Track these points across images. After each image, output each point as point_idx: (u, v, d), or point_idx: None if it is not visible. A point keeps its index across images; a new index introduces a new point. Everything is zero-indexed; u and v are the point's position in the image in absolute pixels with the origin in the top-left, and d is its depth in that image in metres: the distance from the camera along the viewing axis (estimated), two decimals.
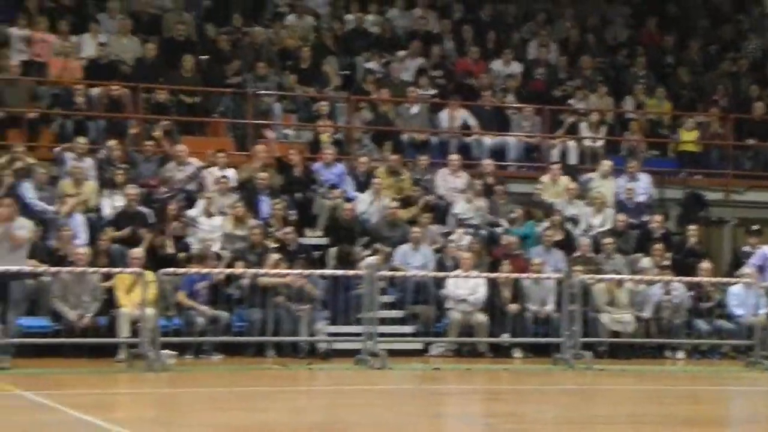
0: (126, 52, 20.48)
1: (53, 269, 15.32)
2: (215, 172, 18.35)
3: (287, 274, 16.51)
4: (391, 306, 17.45)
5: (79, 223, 16.77)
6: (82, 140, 17.95)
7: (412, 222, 18.52)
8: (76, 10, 20.87)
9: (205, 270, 16.16)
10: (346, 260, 17.61)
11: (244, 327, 16.41)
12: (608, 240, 18.71)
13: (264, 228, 17.49)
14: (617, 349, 17.50)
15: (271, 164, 18.87)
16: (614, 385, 14.86)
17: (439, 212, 19.16)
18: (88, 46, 20.25)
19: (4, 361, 14.32)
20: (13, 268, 14.83)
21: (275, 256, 16.68)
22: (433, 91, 22.16)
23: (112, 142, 18.18)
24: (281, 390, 13.60)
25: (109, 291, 15.78)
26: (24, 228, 15.46)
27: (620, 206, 20.00)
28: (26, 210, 16.41)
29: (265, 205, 18.23)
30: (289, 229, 17.54)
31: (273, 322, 16.36)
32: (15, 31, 19.89)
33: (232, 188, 18.20)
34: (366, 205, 18.79)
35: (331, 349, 16.51)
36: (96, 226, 16.97)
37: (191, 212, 17.58)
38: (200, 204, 17.69)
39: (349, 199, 18.74)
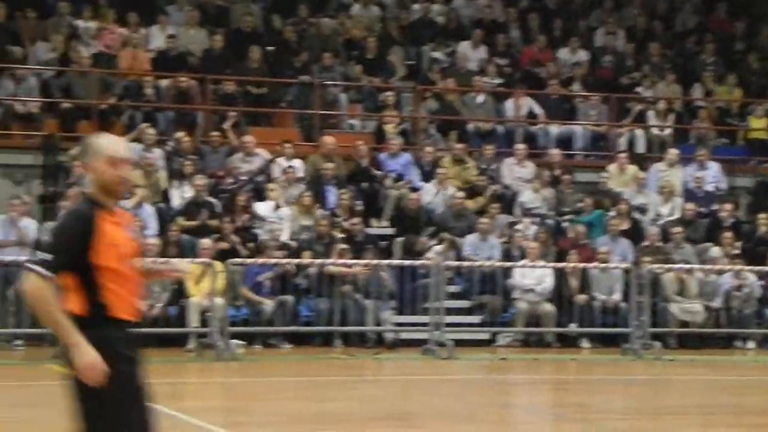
0: (194, 44, 20.65)
1: None
2: (282, 162, 18.46)
3: (354, 264, 16.59)
4: (457, 296, 17.45)
5: (148, 213, 16.95)
6: (150, 131, 18.11)
7: (479, 212, 18.49)
8: (145, 2, 21.04)
9: (273, 260, 16.27)
10: (413, 250, 17.64)
11: (311, 317, 16.50)
12: (677, 229, 18.55)
13: (331, 218, 17.56)
14: (686, 339, 17.38)
15: (337, 154, 18.93)
16: (684, 375, 14.75)
17: (505, 202, 19.12)
18: (157, 38, 20.44)
19: None
20: None
21: (342, 246, 16.74)
22: (498, 80, 22.10)
23: (180, 134, 18.36)
24: (349, 380, 13.67)
25: (179, 281, 15.94)
26: None
27: (689, 195, 19.81)
28: None
29: (332, 195, 18.29)
30: (355, 219, 17.59)
31: (340, 312, 16.44)
32: (83, 23, 20.11)
33: (298, 179, 18.30)
34: (432, 195, 18.79)
35: (398, 339, 16.58)
36: (165, 216, 17.14)
37: (259, 204, 17.68)
38: (267, 195, 17.78)
39: (414, 189, 18.75)
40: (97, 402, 4.97)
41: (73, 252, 5.01)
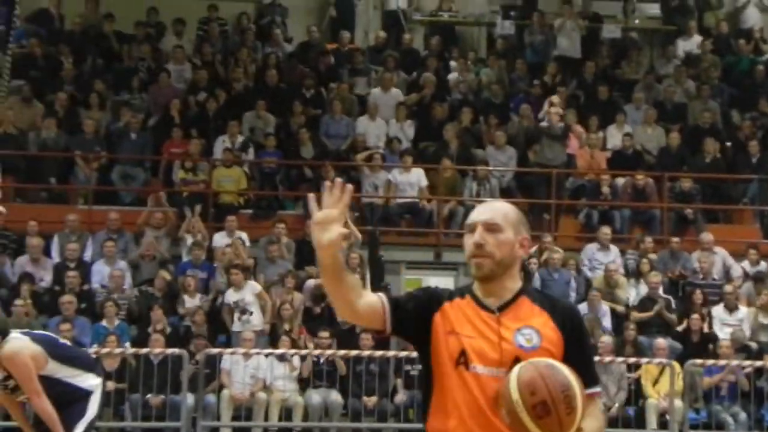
0: (650, 141, 20.70)
1: None
2: (744, 264, 18.01)
3: None
4: None
5: (604, 312, 17.01)
6: (606, 230, 18.29)
7: None
8: (605, 103, 21.34)
9: (734, 362, 15.79)
10: None
11: None
12: None
13: None
14: None
15: None
16: None
17: None
18: (614, 137, 20.66)
19: None
20: None
21: None
22: None
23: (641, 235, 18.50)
24: None
25: (637, 381, 15.84)
26: None
27: None
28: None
29: None
30: None
31: None
32: (543, 125, 20.61)
33: (759, 279, 17.70)
34: None
35: None
36: (620, 315, 17.14)
37: (716, 306, 17.25)
38: (726, 296, 17.30)
39: None
40: None
41: (405, 326, 4.13)
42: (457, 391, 4.01)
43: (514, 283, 4.22)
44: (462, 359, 4.02)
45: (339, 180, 4.12)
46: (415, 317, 4.11)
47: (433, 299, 4.15)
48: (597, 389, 4.21)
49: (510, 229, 4.18)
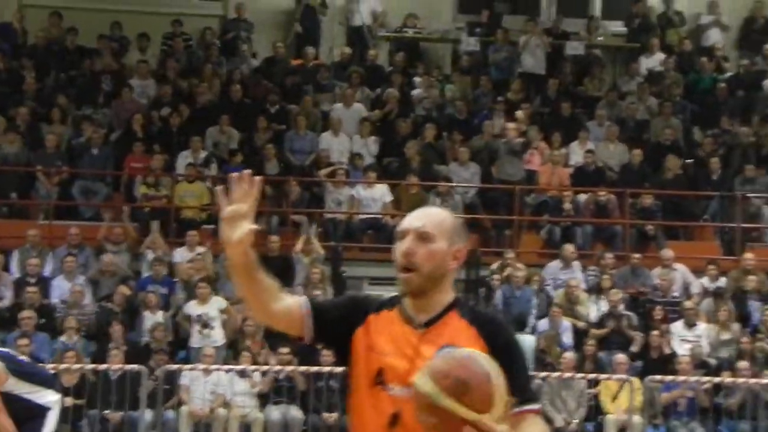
0: (612, 158, 20.81)
1: (542, 374, 15.69)
2: (704, 281, 18.12)
3: None
4: None
5: (566, 327, 17.09)
6: (570, 248, 18.36)
7: None
8: (567, 119, 21.44)
9: (693, 378, 15.88)
10: None
11: None
12: None
13: (752, 335, 16.98)
14: None
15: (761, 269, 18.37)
16: None
17: None
18: (576, 153, 20.76)
19: None
20: None
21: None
22: None
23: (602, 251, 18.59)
24: None
25: (596, 397, 15.91)
26: None
27: None
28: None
29: (755, 311, 17.69)
30: None
31: None
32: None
33: (718, 294, 17.82)
34: None
35: None
36: (581, 331, 17.21)
37: (675, 322, 17.36)
38: (684, 312, 17.40)
39: None
40: None
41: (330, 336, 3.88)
42: (374, 413, 3.70)
43: (445, 296, 3.91)
44: (380, 379, 3.72)
45: (247, 171, 3.89)
46: (336, 328, 3.85)
47: (358, 310, 3.88)
48: (534, 406, 3.84)
49: (443, 239, 3.87)
